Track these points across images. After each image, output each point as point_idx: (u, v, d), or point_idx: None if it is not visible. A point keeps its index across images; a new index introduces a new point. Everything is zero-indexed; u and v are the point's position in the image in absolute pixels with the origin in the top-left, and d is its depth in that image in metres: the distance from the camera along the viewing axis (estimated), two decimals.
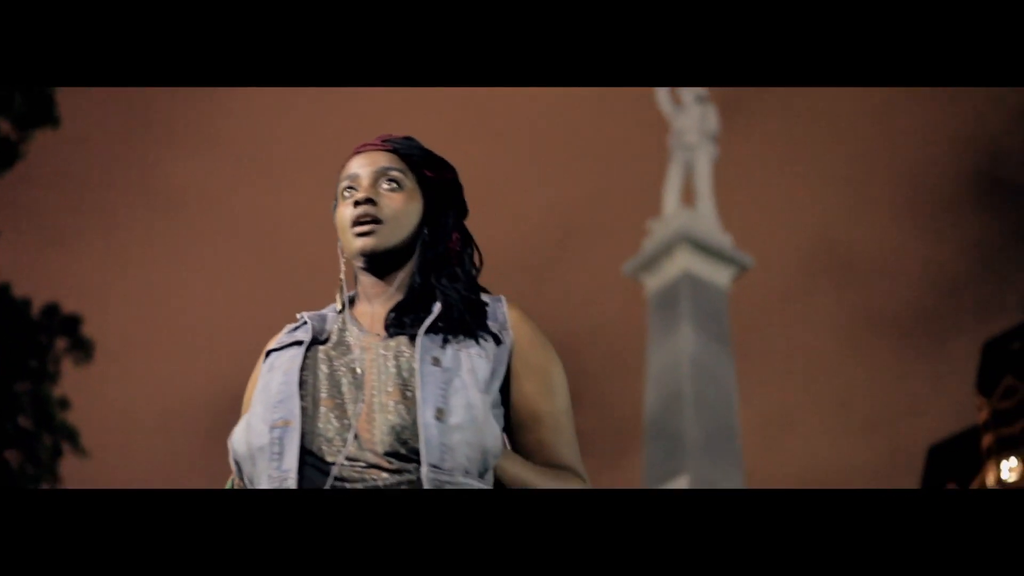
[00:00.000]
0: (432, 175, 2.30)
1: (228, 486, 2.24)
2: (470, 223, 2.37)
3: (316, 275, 2.31)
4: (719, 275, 34.48)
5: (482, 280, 2.35)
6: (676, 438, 32.24)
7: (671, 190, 36.17)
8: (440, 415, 2.03)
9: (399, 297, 2.22)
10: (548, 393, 2.21)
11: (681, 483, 30.36)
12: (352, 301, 2.29)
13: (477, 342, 2.15)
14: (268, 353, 2.25)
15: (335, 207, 2.27)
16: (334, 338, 2.21)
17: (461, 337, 2.15)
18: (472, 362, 2.11)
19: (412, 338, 2.13)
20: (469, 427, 2.03)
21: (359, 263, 2.23)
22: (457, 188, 2.34)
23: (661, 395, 33.29)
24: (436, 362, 2.09)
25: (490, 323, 2.20)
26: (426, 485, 1.99)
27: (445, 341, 2.13)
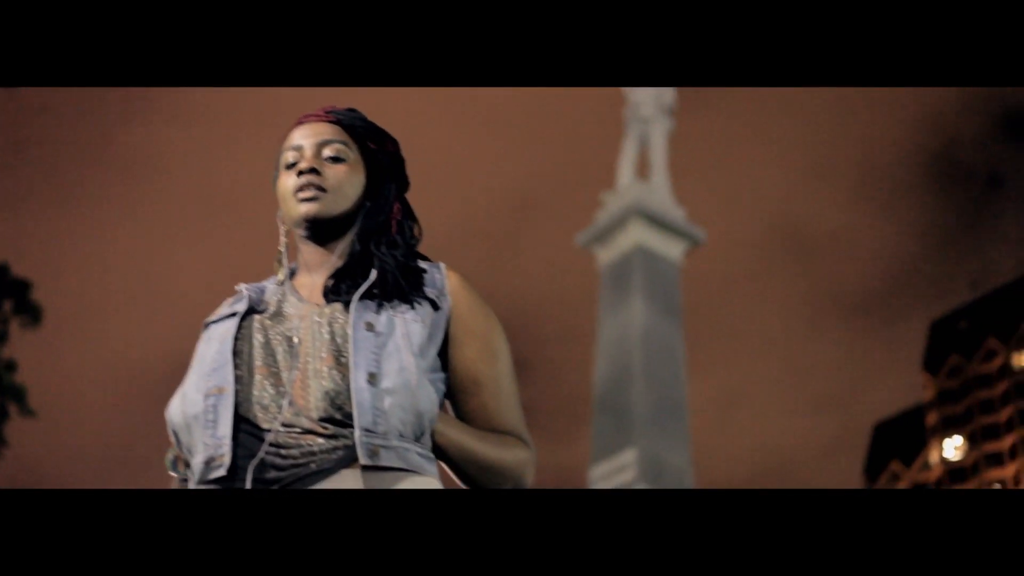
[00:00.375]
0: (375, 147, 2.29)
1: (169, 457, 2.24)
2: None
3: (271, 243, 2.34)
4: (671, 249, 34.67)
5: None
6: (624, 412, 32.40)
7: (625, 163, 36.30)
8: (372, 379, 2.03)
9: (339, 265, 2.21)
10: (489, 358, 2.21)
11: (628, 457, 30.56)
12: (293, 273, 2.28)
13: (413, 307, 2.15)
14: (207, 326, 2.24)
15: (275, 178, 2.27)
16: (272, 308, 2.20)
17: (396, 303, 2.15)
18: (407, 327, 2.12)
19: (347, 305, 2.13)
20: (402, 390, 2.03)
21: (301, 231, 2.22)
22: (399, 161, 2.33)
23: (611, 368, 33.45)
24: (370, 327, 2.09)
25: (427, 289, 2.20)
26: (360, 449, 1.99)
27: (380, 307, 2.13)
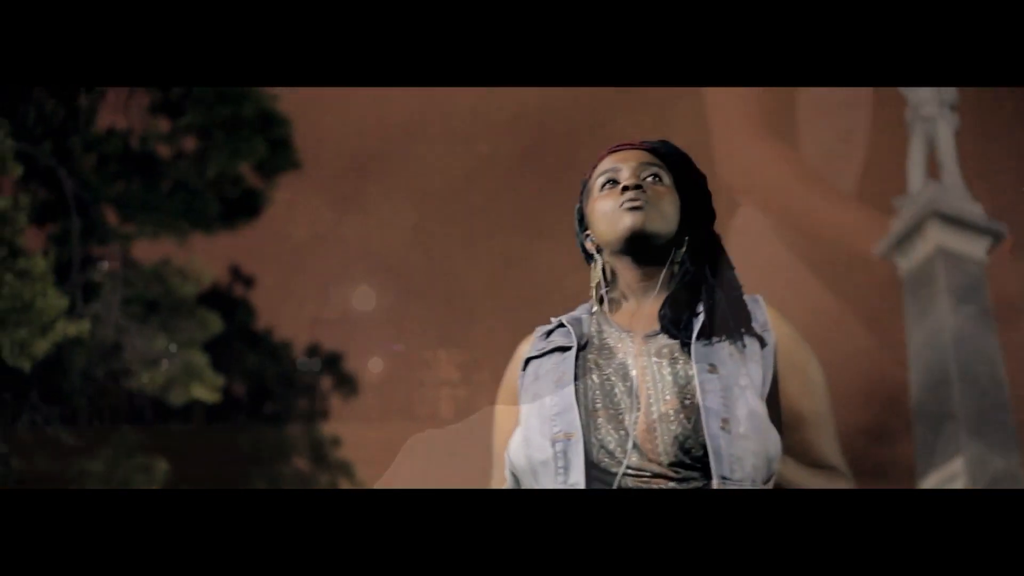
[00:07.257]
0: (687, 176, 2.27)
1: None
2: None
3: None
4: (974, 247, 33.48)
5: None
6: (946, 419, 31.38)
7: (914, 165, 35.37)
8: (725, 425, 1.99)
9: (664, 294, 2.17)
10: (810, 392, 2.18)
11: (956, 465, 29.54)
12: (601, 300, 2.25)
13: (744, 345, 2.11)
14: (527, 362, 2.21)
15: (581, 207, 2.27)
16: (595, 341, 2.17)
17: (731, 340, 2.10)
18: (747, 367, 2.07)
19: (682, 342, 2.09)
20: (754, 436, 1.99)
21: (621, 249, 2.17)
22: (708, 193, 2.29)
23: (926, 376, 32.48)
24: (712, 369, 2.04)
25: (753, 324, 2.15)
26: None
27: (716, 345, 2.08)
